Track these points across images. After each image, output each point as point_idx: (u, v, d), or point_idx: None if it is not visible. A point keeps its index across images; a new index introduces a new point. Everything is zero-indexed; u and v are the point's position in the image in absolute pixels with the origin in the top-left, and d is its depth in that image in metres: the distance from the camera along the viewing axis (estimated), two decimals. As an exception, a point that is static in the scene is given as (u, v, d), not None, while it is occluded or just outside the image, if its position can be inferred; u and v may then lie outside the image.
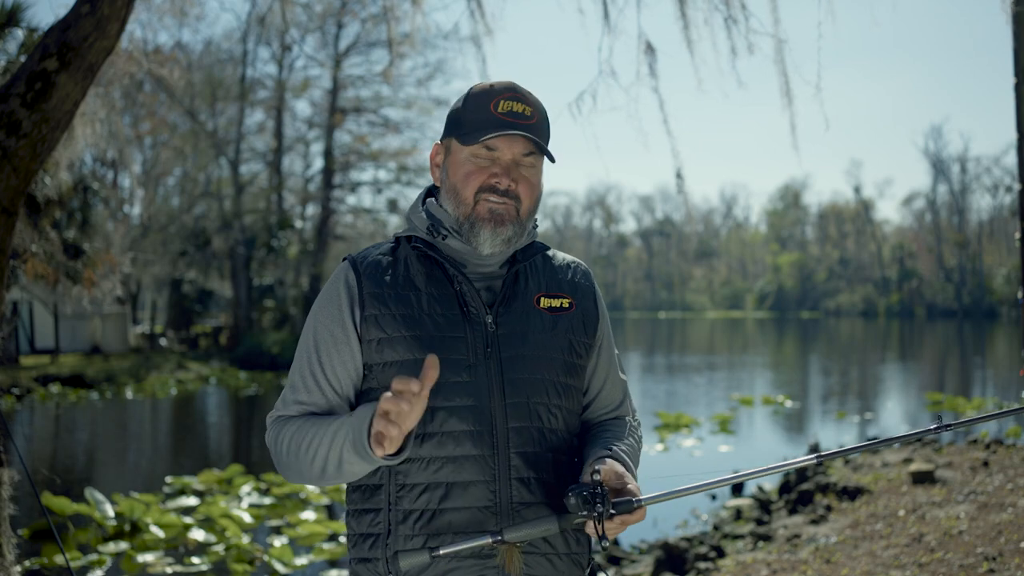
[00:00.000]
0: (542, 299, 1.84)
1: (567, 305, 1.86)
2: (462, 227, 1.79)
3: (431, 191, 1.93)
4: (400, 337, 1.74)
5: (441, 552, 1.62)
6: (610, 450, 1.74)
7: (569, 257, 1.96)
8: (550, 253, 1.94)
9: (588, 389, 1.92)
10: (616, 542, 7.89)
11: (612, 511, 1.61)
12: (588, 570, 1.87)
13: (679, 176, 6.55)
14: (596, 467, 1.64)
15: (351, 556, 1.82)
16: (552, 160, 1.83)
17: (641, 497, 1.65)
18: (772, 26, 5.42)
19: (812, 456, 1.73)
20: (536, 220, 1.91)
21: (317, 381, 1.79)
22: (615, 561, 7.32)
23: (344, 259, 1.87)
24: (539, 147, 1.78)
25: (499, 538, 1.62)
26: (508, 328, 1.78)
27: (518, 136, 1.76)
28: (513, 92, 1.78)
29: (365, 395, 1.80)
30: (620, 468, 1.68)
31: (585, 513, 1.60)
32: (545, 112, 1.83)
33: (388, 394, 1.49)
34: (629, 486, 1.66)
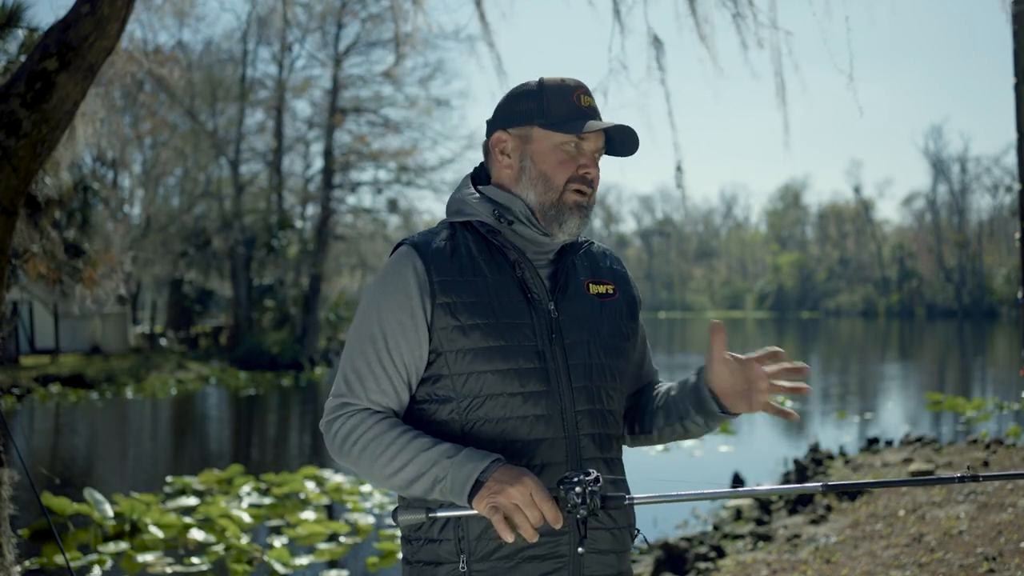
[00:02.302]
0: (590, 285, 1.90)
1: (611, 291, 1.93)
2: (547, 213, 1.83)
3: (475, 178, 1.94)
4: (473, 325, 1.77)
5: (438, 515, 1.68)
6: (697, 374, 1.87)
7: (603, 245, 2.04)
8: (588, 241, 2.01)
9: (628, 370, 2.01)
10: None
11: (600, 509, 1.64)
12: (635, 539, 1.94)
13: (679, 169, 6.58)
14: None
15: (415, 536, 1.82)
16: (630, 153, 1.93)
17: (634, 496, 1.69)
18: (773, 26, 5.43)
19: (818, 484, 1.72)
20: None
21: (385, 369, 1.80)
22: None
23: (402, 244, 1.86)
24: (627, 143, 1.88)
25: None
26: (567, 314, 1.83)
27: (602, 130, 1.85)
28: (585, 89, 1.87)
29: (428, 381, 1.81)
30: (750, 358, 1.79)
31: (569, 511, 1.63)
32: None
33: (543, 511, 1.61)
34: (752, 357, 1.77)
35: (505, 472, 1.65)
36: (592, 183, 1.85)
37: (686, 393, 1.89)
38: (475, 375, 1.76)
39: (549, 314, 1.81)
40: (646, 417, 1.98)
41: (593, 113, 1.84)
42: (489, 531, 1.73)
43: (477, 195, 1.88)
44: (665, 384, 2.02)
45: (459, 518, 1.74)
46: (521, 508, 1.61)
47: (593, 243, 2.01)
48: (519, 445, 1.75)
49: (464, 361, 1.77)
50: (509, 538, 1.62)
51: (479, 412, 1.76)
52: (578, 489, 1.61)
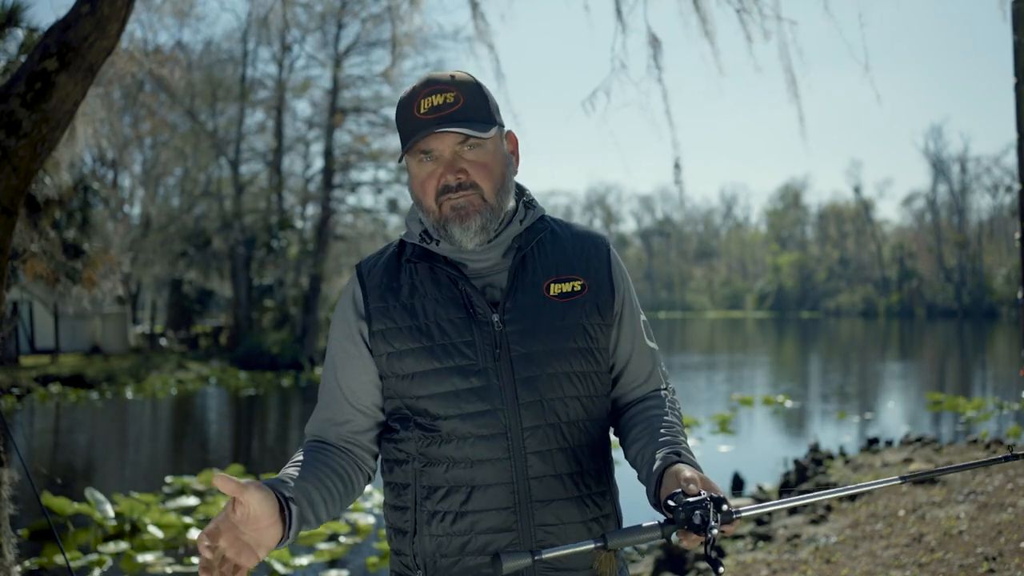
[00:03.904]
0: (552, 285, 1.77)
1: (579, 288, 1.79)
2: (439, 232, 1.76)
3: None
4: (408, 350, 1.74)
5: (544, 556, 1.53)
6: (679, 455, 1.67)
7: (581, 229, 1.89)
8: (559, 230, 1.86)
9: (613, 365, 1.86)
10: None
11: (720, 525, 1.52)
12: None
13: (677, 166, 6.60)
14: (688, 475, 1.56)
15: (390, 546, 1.85)
16: (498, 125, 1.75)
17: (741, 509, 1.55)
18: (777, 17, 5.45)
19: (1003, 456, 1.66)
20: (532, 198, 1.85)
21: (336, 397, 1.81)
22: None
23: (355, 266, 1.87)
24: (472, 131, 1.70)
25: (601, 544, 1.56)
26: (516, 325, 1.73)
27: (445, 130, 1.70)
28: (431, 85, 1.72)
29: (388, 402, 1.80)
30: (705, 476, 1.60)
31: (696, 531, 1.51)
32: (475, 87, 1.74)
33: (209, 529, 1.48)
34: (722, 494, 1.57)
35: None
36: (461, 185, 1.71)
37: (646, 467, 1.73)
38: (415, 399, 1.74)
39: (493, 327, 1.73)
40: (627, 450, 1.83)
41: (434, 113, 1.69)
42: (443, 549, 1.73)
43: (419, 214, 1.82)
44: (653, 424, 1.79)
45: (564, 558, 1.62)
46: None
47: (569, 226, 1.87)
48: (462, 467, 1.71)
49: (404, 385, 1.75)
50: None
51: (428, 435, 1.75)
52: (698, 512, 1.51)
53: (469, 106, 1.71)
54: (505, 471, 1.70)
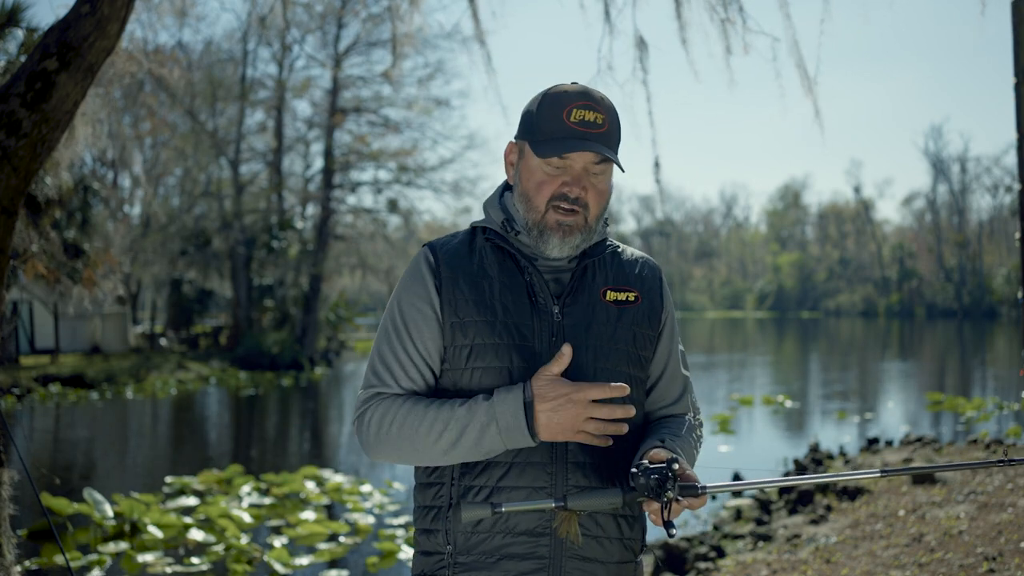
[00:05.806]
0: (608, 292, 1.89)
1: (632, 298, 1.91)
2: (531, 231, 1.85)
3: (508, 185, 1.98)
4: (471, 321, 1.82)
5: (503, 509, 1.66)
6: (662, 441, 1.78)
7: (639, 253, 2.01)
8: (620, 249, 1.99)
9: (647, 379, 1.96)
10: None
11: (679, 496, 1.63)
12: (640, 554, 1.92)
13: (656, 164, 6.70)
14: (655, 451, 1.70)
15: (416, 527, 1.90)
16: (622, 170, 1.85)
17: (707, 485, 1.67)
18: (781, 21, 5.48)
19: (876, 471, 1.73)
20: (607, 220, 1.96)
21: (410, 356, 1.86)
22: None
23: (424, 245, 1.94)
24: (614, 159, 1.82)
25: (562, 504, 1.67)
26: (573, 319, 1.84)
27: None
28: (586, 99, 1.81)
29: (442, 376, 1.87)
30: (670, 454, 1.70)
31: (653, 495, 1.61)
32: (616, 116, 1.85)
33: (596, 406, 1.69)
34: (688, 472, 1.69)
35: (542, 387, 1.71)
36: (578, 200, 1.81)
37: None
38: (470, 371, 1.82)
39: (553, 317, 1.83)
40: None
41: (585, 128, 1.78)
42: (474, 525, 1.79)
43: (499, 202, 1.94)
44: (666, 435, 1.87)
45: (527, 511, 1.72)
46: (583, 409, 1.68)
47: (624, 248, 1.99)
48: None
49: (462, 356, 1.82)
50: (623, 429, 1.71)
51: None
52: (658, 471, 1.61)
53: (611, 133, 1.82)
54: (545, 452, 1.78)
